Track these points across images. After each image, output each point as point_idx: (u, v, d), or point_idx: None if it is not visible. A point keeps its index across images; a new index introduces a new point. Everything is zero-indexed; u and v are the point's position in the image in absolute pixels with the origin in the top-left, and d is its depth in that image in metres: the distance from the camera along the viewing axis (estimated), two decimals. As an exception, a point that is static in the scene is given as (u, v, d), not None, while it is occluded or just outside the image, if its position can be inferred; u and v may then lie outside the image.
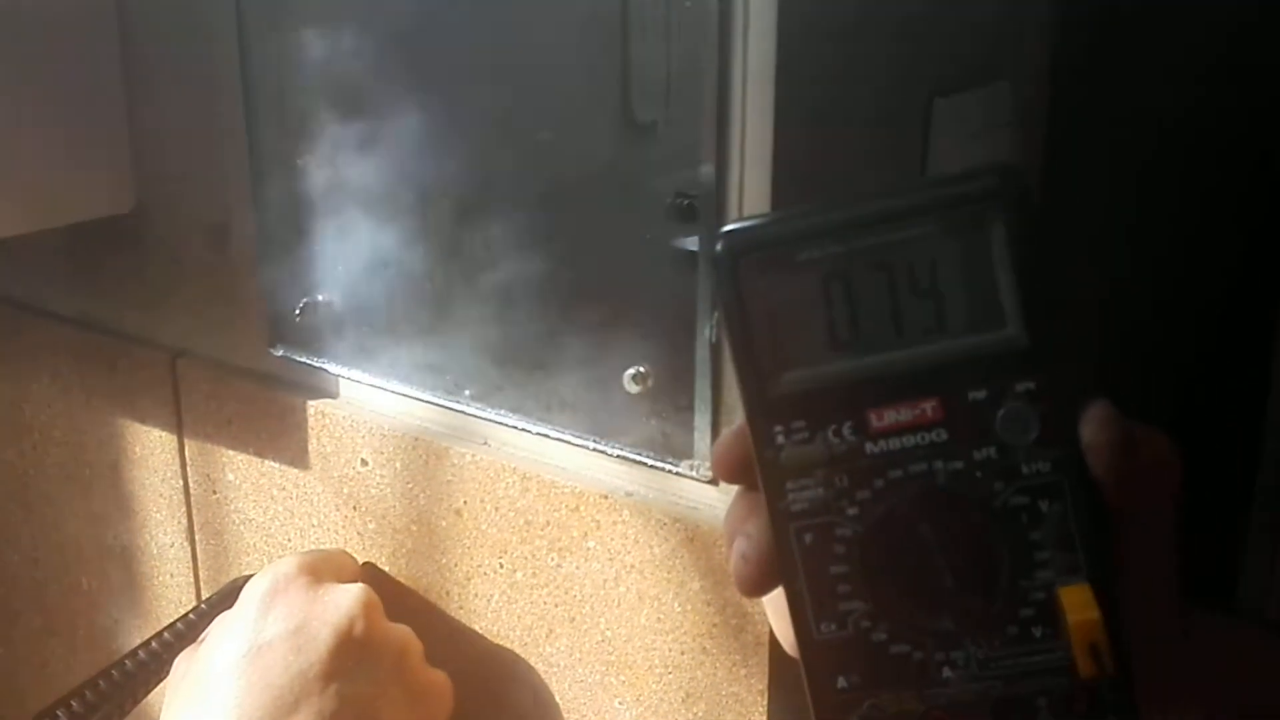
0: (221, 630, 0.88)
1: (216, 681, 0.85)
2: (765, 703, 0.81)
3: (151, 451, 1.11)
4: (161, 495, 1.11)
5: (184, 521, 1.10)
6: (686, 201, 0.78)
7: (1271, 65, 1.18)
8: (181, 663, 0.90)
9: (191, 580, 1.12)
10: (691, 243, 0.79)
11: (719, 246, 0.47)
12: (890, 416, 0.47)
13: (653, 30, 0.78)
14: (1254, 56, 1.19)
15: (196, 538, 1.10)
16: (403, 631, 0.90)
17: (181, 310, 1.08)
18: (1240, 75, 1.20)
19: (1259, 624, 0.96)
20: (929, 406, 0.46)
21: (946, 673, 0.47)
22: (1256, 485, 1.33)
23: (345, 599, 0.88)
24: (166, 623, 0.97)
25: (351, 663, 0.85)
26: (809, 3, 0.74)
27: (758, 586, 0.49)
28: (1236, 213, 1.25)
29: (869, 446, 0.47)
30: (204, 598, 1.09)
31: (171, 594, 1.14)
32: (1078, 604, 0.45)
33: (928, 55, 0.86)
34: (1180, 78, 1.18)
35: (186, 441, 1.08)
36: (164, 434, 1.10)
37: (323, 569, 0.91)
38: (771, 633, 0.64)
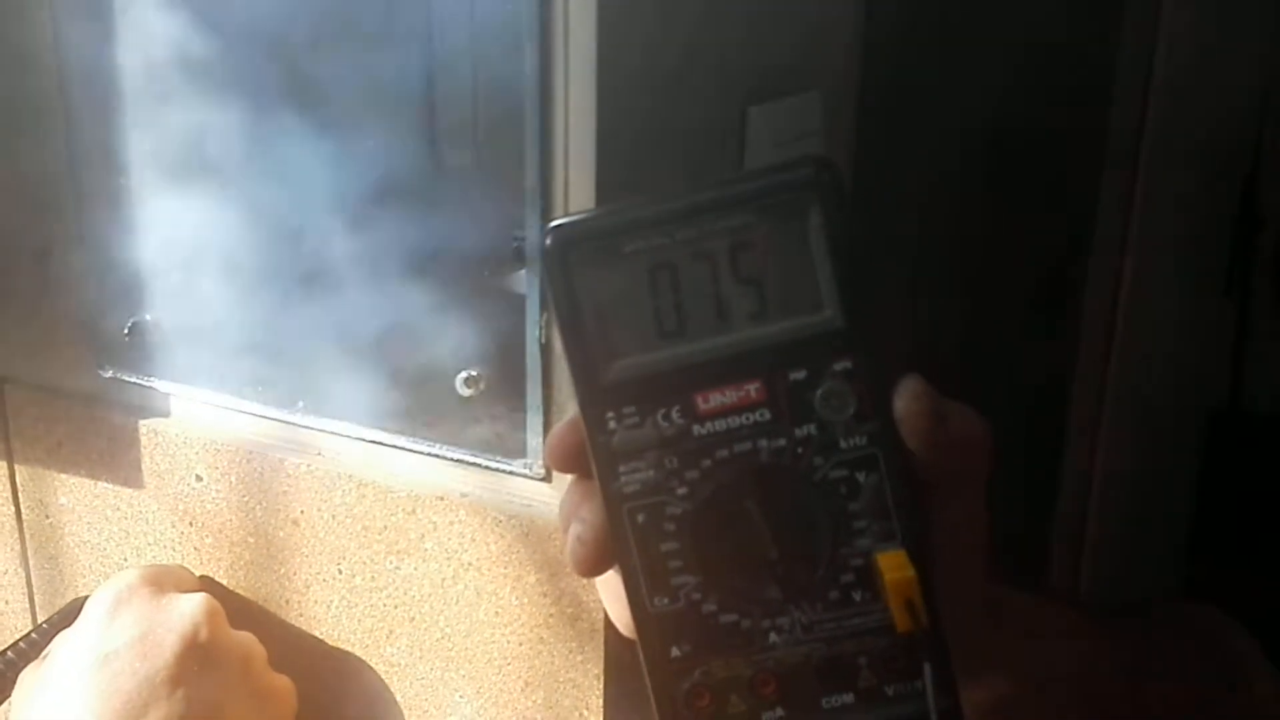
0: (67, 642, 0.88)
1: (65, 691, 0.85)
2: (601, 686, 0.84)
3: (-20, 479, 1.10)
4: (-8, 522, 1.10)
5: (17, 548, 1.09)
6: (516, 244, 0.81)
7: (1076, 67, 1.23)
8: (27, 677, 0.90)
9: (27, 606, 1.11)
10: (519, 284, 0.81)
11: (548, 240, 0.49)
12: (716, 399, 0.49)
13: (460, 79, 0.80)
14: (1060, 61, 1.24)
15: (31, 563, 1.09)
16: (246, 637, 0.91)
17: (7, 335, 1.07)
18: (1046, 79, 1.25)
19: (1064, 602, 1.01)
20: (752, 388, 0.49)
21: (773, 638, 0.49)
22: (1062, 474, 1.38)
23: (189, 606, 0.89)
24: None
25: (197, 668, 0.86)
26: (628, 42, 0.77)
27: (593, 567, 0.51)
28: (1040, 209, 1.30)
29: (697, 429, 0.49)
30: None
31: (8, 620, 1.13)
32: (894, 565, 0.48)
33: (742, 66, 0.89)
34: (986, 84, 1.23)
35: (17, 467, 1.07)
36: (-7, 461, 1.09)
37: (164, 580, 0.92)
38: (607, 619, 0.66)
